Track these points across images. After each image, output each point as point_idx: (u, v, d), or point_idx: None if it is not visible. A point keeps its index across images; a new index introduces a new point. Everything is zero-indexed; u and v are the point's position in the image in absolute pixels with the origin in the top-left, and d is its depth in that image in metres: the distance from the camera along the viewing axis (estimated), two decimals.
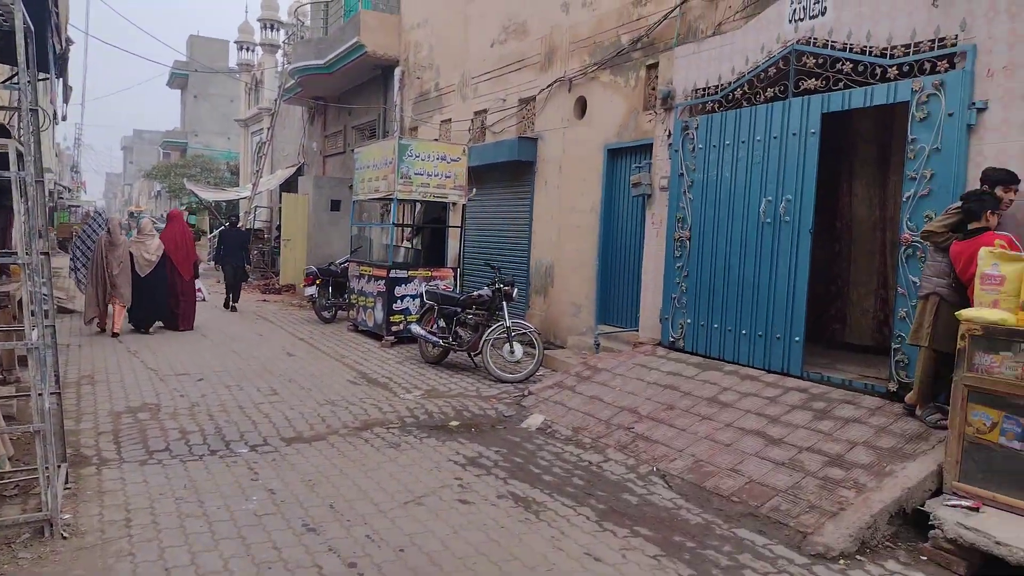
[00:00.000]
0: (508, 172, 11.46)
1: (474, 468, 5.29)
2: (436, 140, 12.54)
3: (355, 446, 5.68)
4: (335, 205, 17.07)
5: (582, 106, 9.98)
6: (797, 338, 6.25)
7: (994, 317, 4.26)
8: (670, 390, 6.56)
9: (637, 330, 8.35)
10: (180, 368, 8.28)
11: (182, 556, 3.76)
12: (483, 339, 8.39)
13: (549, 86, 10.49)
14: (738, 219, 6.82)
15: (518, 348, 8.36)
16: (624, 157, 9.23)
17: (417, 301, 10.11)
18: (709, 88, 7.24)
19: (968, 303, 4.70)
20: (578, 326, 9.93)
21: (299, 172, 21.29)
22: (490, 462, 5.44)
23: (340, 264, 12.98)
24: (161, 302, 10.78)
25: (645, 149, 8.53)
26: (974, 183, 5.01)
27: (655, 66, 8.45)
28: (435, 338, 8.87)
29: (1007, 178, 4.73)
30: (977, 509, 4.10)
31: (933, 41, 5.30)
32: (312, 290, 12.53)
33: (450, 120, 13.43)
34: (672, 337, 7.57)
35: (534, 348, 8.42)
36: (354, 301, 11.58)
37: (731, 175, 6.90)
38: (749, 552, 4.06)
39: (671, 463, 5.33)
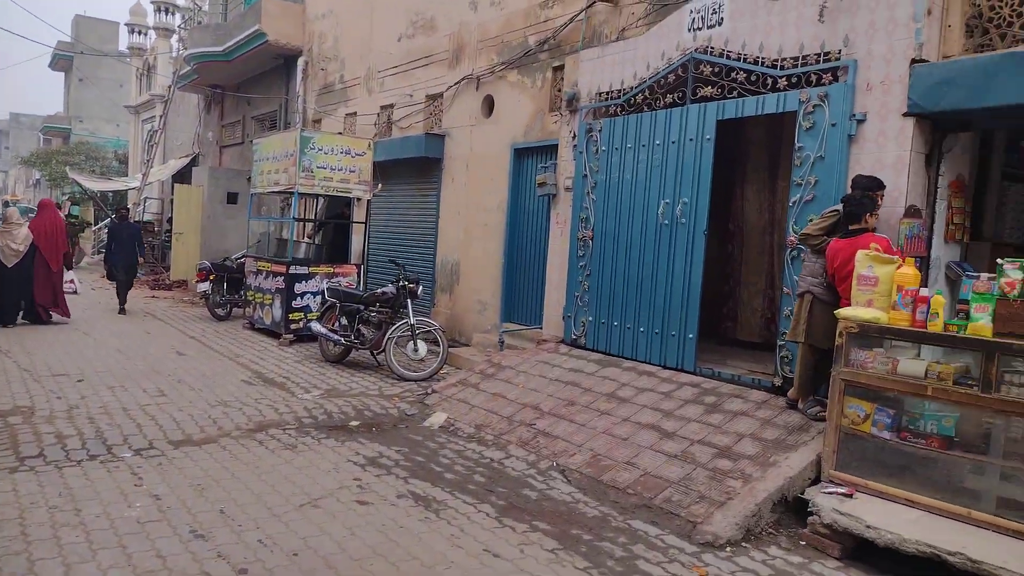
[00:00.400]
0: (415, 168, 11.35)
1: (374, 468, 5.20)
2: (340, 133, 12.26)
3: (248, 448, 5.47)
4: (232, 198, 16.43)
5: (490, 104, 10.01)
6: (691, 335, 6.48)
7: (868, 316, 4.56)
8: (571, 386, 6.66)
9: (541, 328, 8.45)
10: (58, 368, 7.74)
11: (55, 569, 3.50)
12: (387, 337, 8.27)
13: (457, 83, 10.46)
14: (638, 220, 7.01)
15: (422, 346, 8.29)
16: (530, 157, 9.31)
17: (318, 298, 9.85)
18: (612, 92, 7.41)
19: (838, 301, 5.02)
20: (483, 324, 9.95)
21: (193, 163, 20.36)
22: (391, 461, 5.36)
23: (236, 259, 12.48)
24: (27, 294, 10.18)
25: (551, 150, 8.64)
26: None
27: (561, 68, 8.57)
28: (336, 336, 8.67)
29: (874, 184, 5.07)
30: (851, 495, 4.37)
31: (819, 55, 5.62)
32: (205, 286, 11.98)
33: (355, 113, 13.17)
34: (574, 335, 7.70)
35: (439, 346, 8.37)
36: (251, 298, 11.17)
37: (632, 177, 7.09)
38: (642, 543, 4.18)
39: (571, 458, 5.41)
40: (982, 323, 4.09)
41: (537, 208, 9.18)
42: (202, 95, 20.14)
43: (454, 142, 10.63)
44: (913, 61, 5.04)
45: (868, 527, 3.99)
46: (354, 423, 6.31)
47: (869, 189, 5.03)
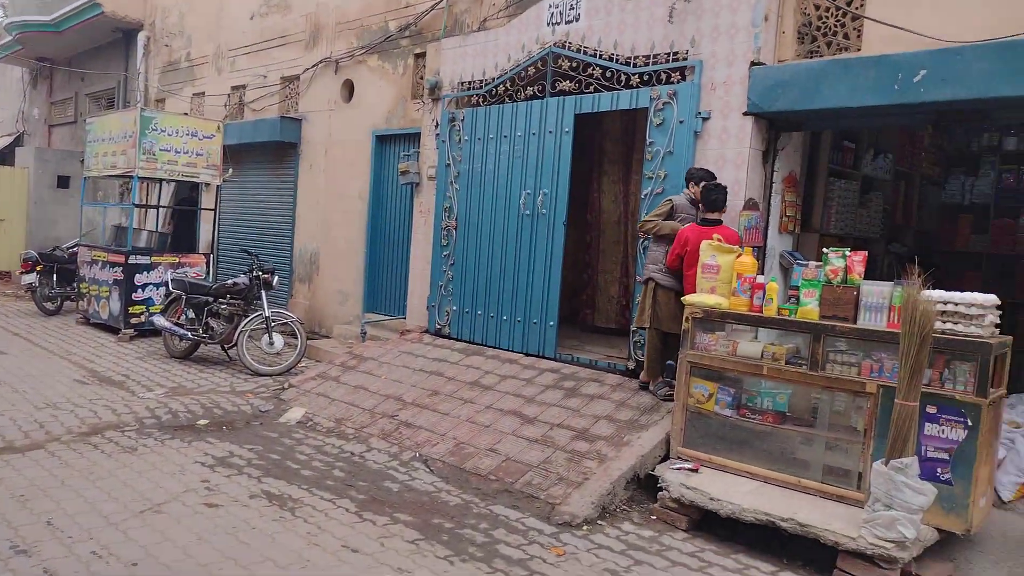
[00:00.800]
0: (269, 153, 10.84)
1: (224, 468, 4.92)
2: (186, 114, 11.48)
3: (81, 453, 5.02)
4: (63, 182, 15.02)
5: (349, 89, 9.73)
6: (552, 323, 6.63)
7: (711, 302, 4.85)
8: (435, 376, 6.63)
9: (405, 318, 8.35)
10: None
11: None
12: (239, 330, 7.85)
13: (314, 66, 10.08)
14: (500, 210, 7.07)
15: (278, 339, 7.95)
16: (393, 144, 9.16)
17: (162, 290, 9.19)
18: (474, 82, 7.41)
19: (681, 287, 5.31)
20: (345, 315, 9.70)
21: (17, 142, 18.39)
22: (243, 461, 5.10)
23: (68, 248, 11.41)
24: None
25: (414, 138, 8.53)
26: None
27: (423, 55, 8.47)
28: (182, 330, 8.13)
29: (706, 176, 5.42)
30: (697, 470, 4.64)
31: (669, 54, 5.88)
32: (31, 278, 10.85)
33: (203, 93, 12.39)
34: (438, 324, 7.67)
35: (296, 339, 8.04)
36: (85, 291, 10.25)
37: (495, 168, 7.13)
38: (504, 527, 4.23)
39: (434, 447, 5.39)
40: (810, 307, 4.46)
41: (400, 196, 9.03)
42: (27, 68, 18.19)
43: (312, 127, 10.24)
44: (752, 64, 5.39)
45: (712, 499, 4.25)
46: (202, 422, 5.95)
47: (703, 180, 5.36)
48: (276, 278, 8.23)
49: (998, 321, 4.02)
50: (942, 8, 4.66)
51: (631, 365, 6.06)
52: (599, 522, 4.36)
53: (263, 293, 7.98)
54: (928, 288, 3.90)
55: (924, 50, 4.57)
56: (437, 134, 7.73)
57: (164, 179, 10.15)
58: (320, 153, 10.11)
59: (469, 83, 7.45)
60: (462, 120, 7.40)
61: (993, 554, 4.05)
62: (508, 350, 6.96)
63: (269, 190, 11.12)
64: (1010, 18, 4.39)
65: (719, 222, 5.25)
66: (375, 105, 9.26)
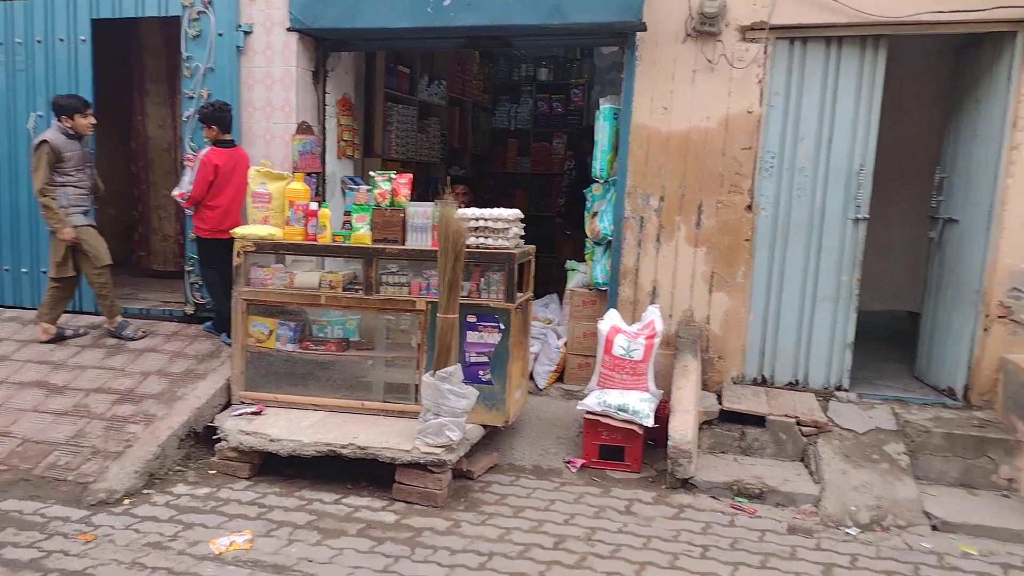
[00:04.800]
0: None
1: None
2: None
3: None
4: None
5: None
6: None
7: (264, 232, 4.49)
8: None
9: None
10: None
11: None
12: None
13: None
14: (3, 136, 5.67)
15: None
16: None
17: None
18: None
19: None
20: None
21: None
22: None
23: None
24: None
25: None
26: (248, 104, 5.20)
27: None
28: None
29: (78, 104, 4.95)
30: (261, 412, 4.36)
31: None
32: None
33: None
34: None
35: None
36: None
37: None
38: (14, 525, 3.44)
39: None
40: (363, 232, 4.40)
41: None
42: None
43: None
44: None
45: (272, 440, 4.01)
46: None
47: (78, 111, 4.90)
48: None
49: (522, 233, 4.45)
50: None
51: (189, 310, 5.47)
52: (145, 491, 3.83)
53: None
54: (468, 206, 4.11)
55: None
56: None
57: None
58: None
59: None
60: None
61: (530, 437, 4.56)
62: (35, 308, 5.73)
63: None
64: None
65: (233, 142, 4.96)
66: None
